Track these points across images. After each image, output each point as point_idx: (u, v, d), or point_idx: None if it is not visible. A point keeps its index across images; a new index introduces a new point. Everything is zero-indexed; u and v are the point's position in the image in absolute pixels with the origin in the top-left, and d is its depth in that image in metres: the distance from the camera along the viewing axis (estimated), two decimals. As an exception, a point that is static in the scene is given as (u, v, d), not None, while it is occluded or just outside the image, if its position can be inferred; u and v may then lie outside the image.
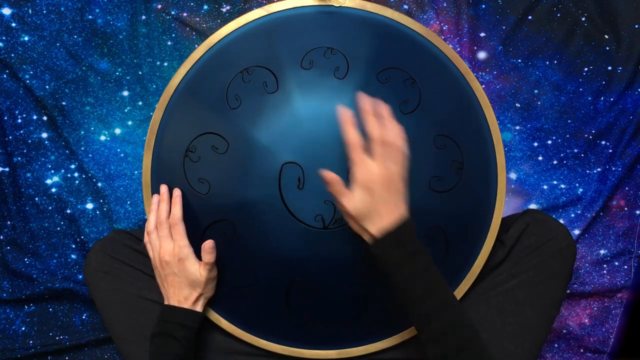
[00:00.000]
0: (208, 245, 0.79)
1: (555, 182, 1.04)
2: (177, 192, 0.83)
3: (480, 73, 1.04)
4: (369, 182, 0.70)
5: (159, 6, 1.03)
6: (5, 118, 1.01)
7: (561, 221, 1.03)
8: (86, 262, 0.86)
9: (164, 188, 0.84)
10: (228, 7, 1.04)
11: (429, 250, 0.71)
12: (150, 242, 0.82)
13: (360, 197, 0.70)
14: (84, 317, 1.03)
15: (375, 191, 0.70)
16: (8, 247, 1.02)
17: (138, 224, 1.03)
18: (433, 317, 0.68)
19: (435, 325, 0.68)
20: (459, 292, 0.85)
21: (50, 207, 1.03)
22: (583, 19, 1.04)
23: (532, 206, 1.04)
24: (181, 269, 0.79)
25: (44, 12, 1.02)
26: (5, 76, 1.02)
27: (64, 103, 1.02)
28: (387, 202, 0.70)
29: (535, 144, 1.04)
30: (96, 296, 0.85)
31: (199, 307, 0.81)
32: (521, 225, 0.86)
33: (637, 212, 1.04)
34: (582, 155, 1.04)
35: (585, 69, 1.04)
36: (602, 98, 1.04)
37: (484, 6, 1.04)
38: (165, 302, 0.81)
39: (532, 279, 0.82)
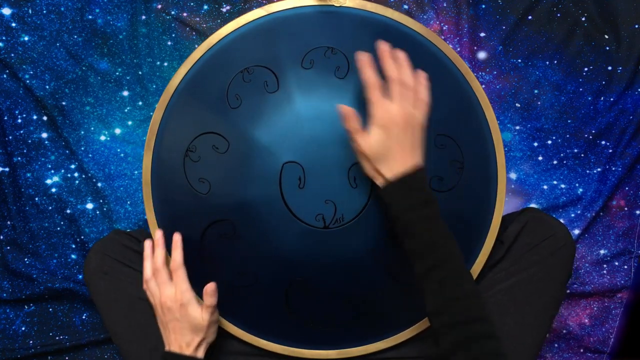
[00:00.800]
0: (210, 288, 0.78)
1: (555, 182, 1.04)
2: (176, 237, 0.81)
3: (480, 73, 1.04)
4: (386, 122, 0.69)
5: (159, 6, 1.03)
6: (5, 118, 1.01)
7: (561, 221, 1.03)
8: (86, 263, 0.86)
9: (158, 234, 0.82)
10: (228, 7, 1.04)
11: (437, 203, 0.69)
12: (149, 289, 0.80)
13: (377, 137, 0.69)
14: (84, 317, 1.03)
15: (392, 132, 0.68)
16: (8, 247, 1.02)
17: (138, 224, 1.03)
18: (438, 268, 0.67)
19: (437, 276, 0.67)
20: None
21: (50, 207, 1.02)
22: (583, 19, 1.04)
23: (532, 206, 1.04)
24: (183, 314, 0.77)
25: (44, 12, 1.02)
26: (5, 76, 1.01)
27: (64, 103, 1.02)
28: (403, 146, 0.69)
29: (535, 144, 1.05)
30: (96, 296, 0.85)
31: (200, 353, 0.78)
32: (520, 224, 0.86)
33: (637, 212, 1.04)
34: (582, 155, 1.04)
35: (585, 69, 1.04)
36: (602, 98, 1.04)
37: (484, 6, 1.04)
38: (167, 348, 0.79)
39: (531, 278, 0.82)
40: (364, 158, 0.72)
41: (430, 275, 0.67)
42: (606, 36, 1.04)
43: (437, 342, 0.67)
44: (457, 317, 0.65)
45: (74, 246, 1.03)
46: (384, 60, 0.73)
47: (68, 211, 1.02)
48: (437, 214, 0.69)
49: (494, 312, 0.81)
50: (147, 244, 0.82)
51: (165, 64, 1.03)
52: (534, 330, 0.81)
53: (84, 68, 1.03)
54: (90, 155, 1.03)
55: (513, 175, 1.04)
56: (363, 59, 0.73)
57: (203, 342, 0.79)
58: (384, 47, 0.75)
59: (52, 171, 1.03)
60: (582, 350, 1.03)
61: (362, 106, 0.80)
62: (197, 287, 0.81)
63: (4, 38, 1.01)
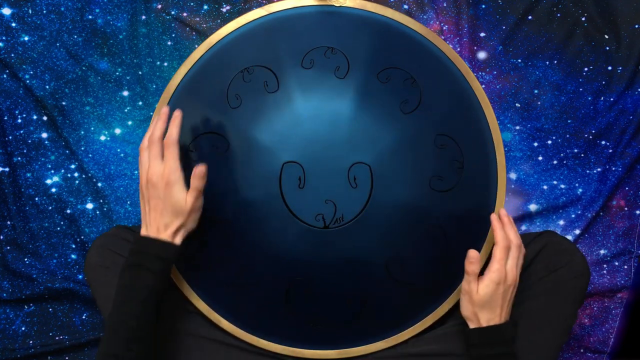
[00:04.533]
0: (200, 170, 0.75)
1: (555, 182, 1.04)
2: (177, 113, 0.78)
3: (480, 73, 1.04)
4: (501, 279, 0.76)
5: (159, 6, 1.03)
6: (5, 118, 1.01)
7: (561, 222, 1.03)
8: (87, 258, 0.86)
9: (165, 109, 0.80)
10: (228, 7, 1.04)
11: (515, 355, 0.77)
12: (141, 160, 0.78)
13: (488, 289, 0.76)
14: (84, 317, 1.02)
15: (501, 289, 0.76)
16: (8, 247, 1.02)
17: (138, 224, 1.03)
18: None
19: None
20: (459, 292, 0.85)
21: (50, 207, 1.02)
22: (583, 19, 1.04)
23: (532, 206, 1.04)
24: (167, 193, 0.74)
25: (44, 12, 1.02)
26: (5, 76, 1.01)
27: (64, 103, 1.02)
28: (503, 305, 0.77)
29: (535, 144, 1.04)
30: (96, 291, 0.85)
31: (177, 239, 0.76)
32: (536, 248, 0.85)
33: (637, 212, 1.04)
34: (582, 155, 1.04)
35: (585, 69, 1.04)
36: (602, 98, 1.04)
37: (484, 6, 1.04)
38: (143, 231, 0.76)
39: (544, 305, 0.81)
40: (469, 299, 0.78)
41: None
42: (606, 36, 1.04)
43: None
44: None
45: (74, 246, 1.03)
46: (509, 227, 0.80)
47: (68, 211, 1.02)
48: None
49: None
50: (163, 110, 0.80)
51: (165, 64, 1.03)
52: (542, 356, 0.81)
53: (84, 68, 1.03)
54: (90, 155, 1.03)
55: (513, 175, 1.04)
56: (498, 223, 0.80)
57: (182, 228, 0.76)
58: (505, 215, 0.81)
59: (52, 171, 1.03)
60: (582, 350, 1.03)
61: (362, 105, 0.80)
62: (198, 287, 0.81)
63: (4, 38, 1.01)
